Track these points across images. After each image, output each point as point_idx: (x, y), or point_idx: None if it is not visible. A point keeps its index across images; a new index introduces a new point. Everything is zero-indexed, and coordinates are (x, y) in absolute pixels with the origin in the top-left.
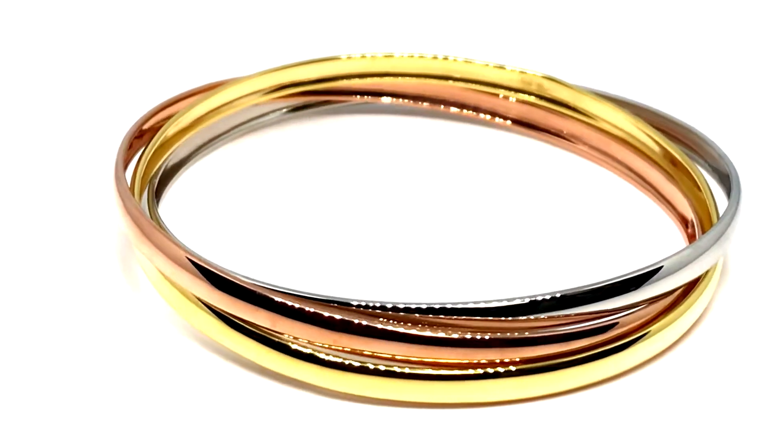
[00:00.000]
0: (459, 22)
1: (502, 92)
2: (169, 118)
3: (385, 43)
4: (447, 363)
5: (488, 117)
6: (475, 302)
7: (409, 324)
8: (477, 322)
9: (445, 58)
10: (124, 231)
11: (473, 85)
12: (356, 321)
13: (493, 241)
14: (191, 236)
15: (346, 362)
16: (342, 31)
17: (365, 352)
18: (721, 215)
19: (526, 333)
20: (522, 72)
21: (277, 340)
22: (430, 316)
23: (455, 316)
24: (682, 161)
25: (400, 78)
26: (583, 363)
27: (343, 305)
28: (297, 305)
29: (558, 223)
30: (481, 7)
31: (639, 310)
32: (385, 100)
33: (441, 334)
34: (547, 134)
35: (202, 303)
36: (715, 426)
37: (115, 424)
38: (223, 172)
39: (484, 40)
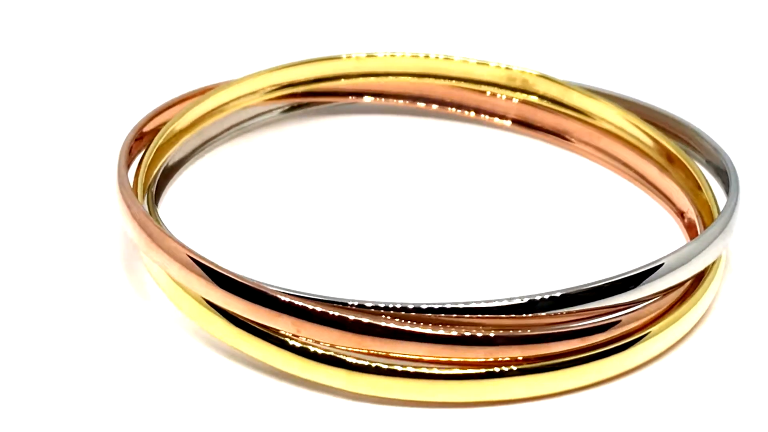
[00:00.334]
0: (452, 22)
1: (488, 89)
2: (165, 123)
3: (367, 42)
4: (447, 362)
5: (473, 114)
6: (476, 301)
7: (422, 323)
8: (479, 319)
9: (426, 56)
10: (129, 237)
11: (459, 83)
12: (381, 324)
13: (492, 240)
14: (191, 237)
15: (352, 361)
16: (335, 31)
17: (370, 352)
18: (721, 209)
19: (528, 330)
20: (508, 68)
21: (300, 345)
22: (442, 315)
23: (455, 315)
24: (678, 156)
25: (382, 78)
26: (586, 362)
27: (360, 308)
28: (319, 309)
29: (556, 220)
30: (476, 6)
31: (646, 306)
32: (367, 99)
33: (453, 333)
34: (542, 132)
35: (215, 308)
36: (720, 426)
37: None
38: (220, 174)
39: (479, 39)
